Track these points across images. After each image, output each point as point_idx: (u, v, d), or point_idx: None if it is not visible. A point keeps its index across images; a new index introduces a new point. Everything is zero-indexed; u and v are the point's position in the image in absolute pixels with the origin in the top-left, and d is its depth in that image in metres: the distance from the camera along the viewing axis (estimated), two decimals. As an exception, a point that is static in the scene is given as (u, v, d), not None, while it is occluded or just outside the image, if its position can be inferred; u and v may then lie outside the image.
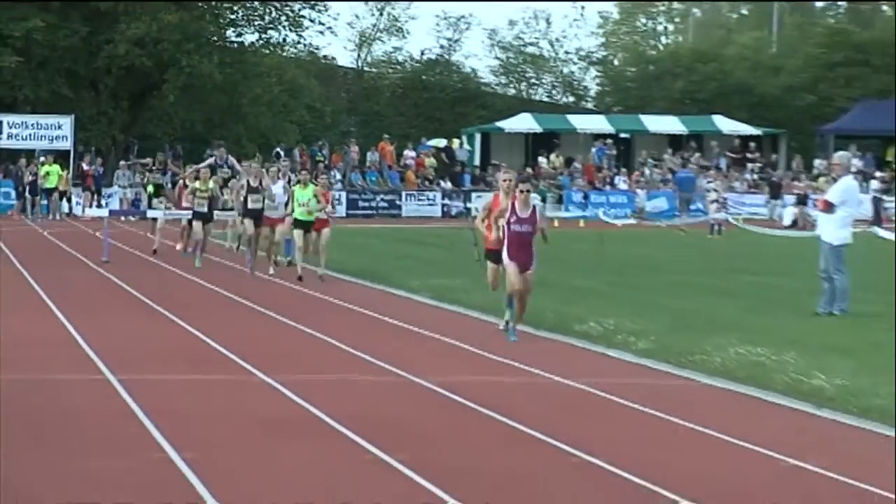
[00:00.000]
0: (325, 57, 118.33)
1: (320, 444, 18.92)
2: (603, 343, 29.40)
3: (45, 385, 23.37)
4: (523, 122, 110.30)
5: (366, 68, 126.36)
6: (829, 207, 35.51)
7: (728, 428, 20.15)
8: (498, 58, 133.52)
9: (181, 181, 51.95)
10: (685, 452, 18.70)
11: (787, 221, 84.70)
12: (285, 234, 44.59)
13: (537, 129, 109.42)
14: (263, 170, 46.02)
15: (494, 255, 28.94)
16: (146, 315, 34.69)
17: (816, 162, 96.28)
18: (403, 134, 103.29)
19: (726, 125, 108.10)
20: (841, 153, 46.15)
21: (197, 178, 48.57)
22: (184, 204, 49.10)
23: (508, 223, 26.37)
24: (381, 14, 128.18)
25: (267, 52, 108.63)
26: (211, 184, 46.51)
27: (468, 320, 33.31)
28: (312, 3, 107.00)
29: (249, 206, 42.71)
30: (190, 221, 48.51)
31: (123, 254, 53.66)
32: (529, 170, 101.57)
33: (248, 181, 43.68)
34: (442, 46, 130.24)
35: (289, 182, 46.23)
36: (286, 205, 43.20)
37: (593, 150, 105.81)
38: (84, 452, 18.10)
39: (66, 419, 20.43)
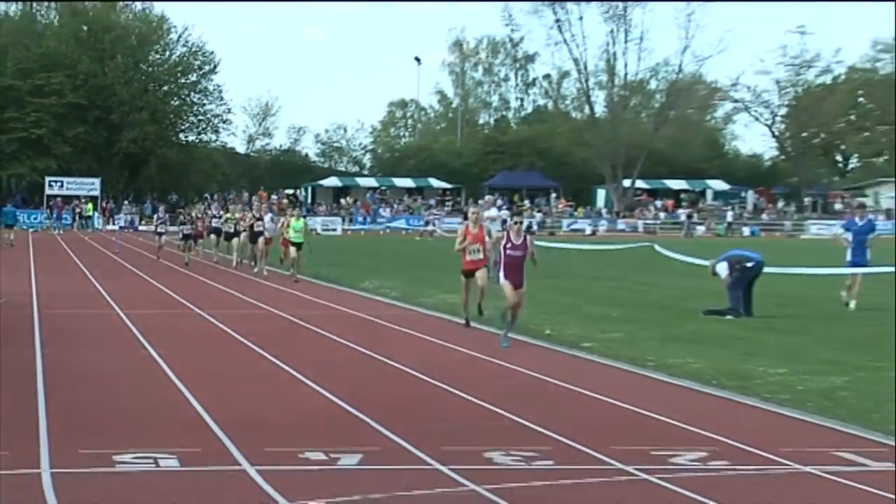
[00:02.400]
0: (231, 147, 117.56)
1: (230, 346, 18.79)
2: (374, 293, 29.37)
3: (81, 315, 23.12)
4: (332, 182, 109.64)
5: (252, 153, 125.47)
6: (490, 220, 36.53)
7: (434, 335, 20.18)
8: (320, 148, 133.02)
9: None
10: (414, 347, 18.70)
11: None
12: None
13: (339, 184, 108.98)
14: (263, 207, 42.51)
15: (466, 274, 21.36)
16: (139, 280, 34.26)
17: (480, 202, 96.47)
18: (271, 187, 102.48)
19: (436, 183, 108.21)
20: (488, 196, 47.42)
21: (228, 211, 44.08)
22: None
23: (505, 249, 19.31)
24: (261, 125, 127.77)
25: (201, 145, 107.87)
26: (237, 214, 41.87)
27: (308, 284, 33.02)
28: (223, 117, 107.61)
29: (255, 230, 38.16)
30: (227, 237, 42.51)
31: (127, 249, 52.85)
32: (335, 203, 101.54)
33: (253, 214, 39.34)
34: (291, 142, 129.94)
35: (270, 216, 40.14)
36: (281, 226, 37.48)
37: (368, 195, 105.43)
38: (102, 348, 17.95)
39: (93, 332, 20.21)
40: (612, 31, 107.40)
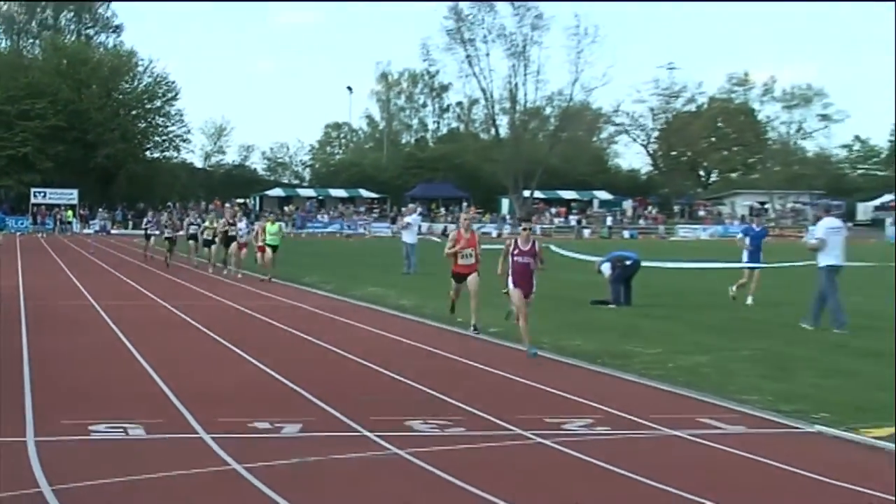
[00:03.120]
0: (190, 163, 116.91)
1: (190, 332, 18.64)
2: (312, 286, 29.24)
3: (62, 306, 22.76)
4: (277, 192, 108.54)
5: (208, 168, 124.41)
6: (407, 226, 36.48)
7: (363, 322, 20.09)
8: (266, 163, 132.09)
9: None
10: (346, 332, 18.59)
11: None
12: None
13: (283, 194, 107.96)
14: (236, 212, 38.70)
15: (457, 277, 18.70)
16: (111, 277, 33.89)
17: (403, 209, 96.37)
18: (224, 196, 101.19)
19: (365, 193, 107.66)
20: (411, 205, 47.48)
21: (206, 221, 39.53)
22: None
23: (513, 255, 16.09)
24: (215, 143, 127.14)
25: (164, 161, 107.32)
26: (216, 224, 37.23)
27: (257, 280, 32.70)
28: (182, 136, 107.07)
29: (228, 235, 35.00)
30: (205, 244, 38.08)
31: (100, 250, 52.35)
32: (279, 211, 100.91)
33: (227, 220, 35.84)
34: (241, 158, 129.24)
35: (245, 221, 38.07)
36: (254, 234, 34.60)
37: (307, 203, 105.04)
38: (79, 334, 17.69)
39: (71, 321, 19.91)
40: (513, 66, 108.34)
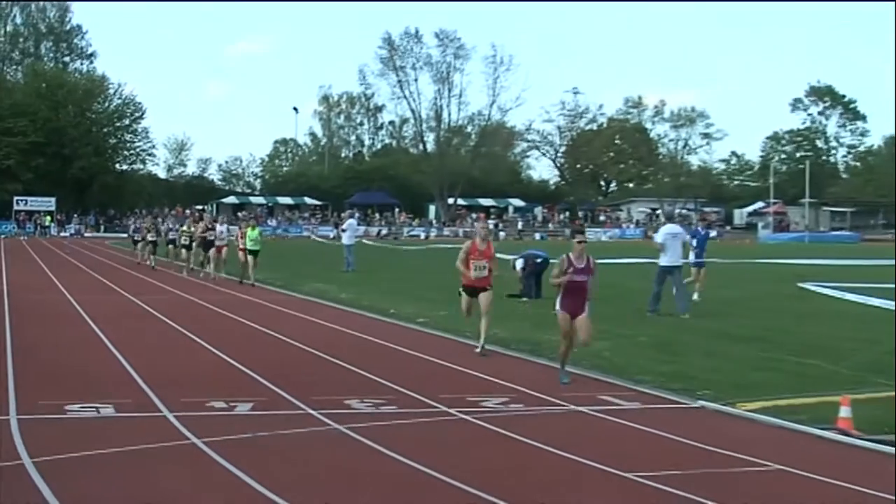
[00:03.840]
0: (154, 174, 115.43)
1: (155, 323, 18.40)
2: (263, 283, 28.93)
3: (43, 300, 22.41)
4: (231, 200, 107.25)
5: (170, 178, 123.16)
6: (344, 230, 36.57)
7: (307, 313, 19.98)
8: (222, 174, 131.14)
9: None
10: (292, 322, 18.51)
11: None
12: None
13: (237, 202, 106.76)
14: (214, 218, 34.96)
15: (468, 290, 14.82)
16: (85, 274, 33.42)
17: (343, 215, 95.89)
18: (185, 203, 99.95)
19: (309, 200, 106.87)
20: (349, 210, 46.87)
21: (184, 225, 36.14)
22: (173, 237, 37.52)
23: (565, 273, 12.29)
24: (177, 157, 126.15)
25: (132, 173, 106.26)
26: (192, 228, 34.18)
27: (229, 282, 32.27)
28: (148, 151, 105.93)
29: (207, 239, 32.00)
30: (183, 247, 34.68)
31: (76, 252, 51.61)
32: (235, 216, 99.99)
33: (205, 225, 33.05)
34: (200, 170, 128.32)
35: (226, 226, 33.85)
36: (236, 237, 32.00)
37: (258, 209, 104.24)
38: (59, 326, 17.42)
39: (50, 312, 19.63)
40: (439, 90, 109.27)
